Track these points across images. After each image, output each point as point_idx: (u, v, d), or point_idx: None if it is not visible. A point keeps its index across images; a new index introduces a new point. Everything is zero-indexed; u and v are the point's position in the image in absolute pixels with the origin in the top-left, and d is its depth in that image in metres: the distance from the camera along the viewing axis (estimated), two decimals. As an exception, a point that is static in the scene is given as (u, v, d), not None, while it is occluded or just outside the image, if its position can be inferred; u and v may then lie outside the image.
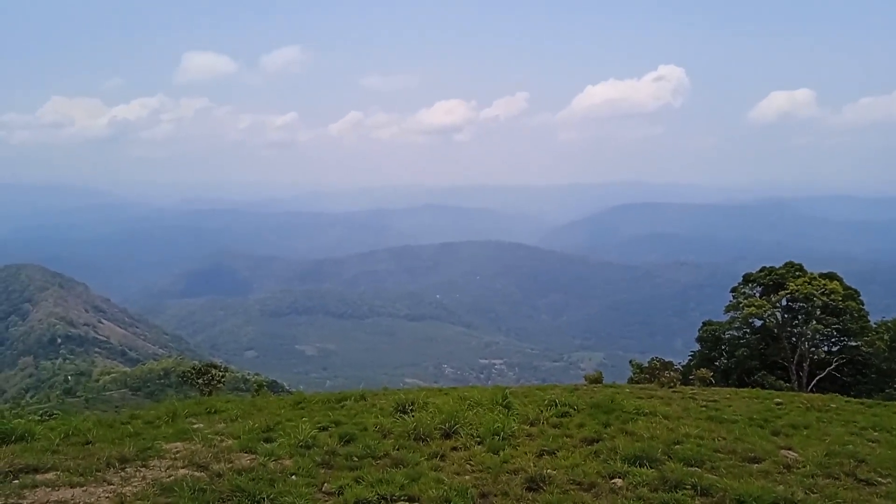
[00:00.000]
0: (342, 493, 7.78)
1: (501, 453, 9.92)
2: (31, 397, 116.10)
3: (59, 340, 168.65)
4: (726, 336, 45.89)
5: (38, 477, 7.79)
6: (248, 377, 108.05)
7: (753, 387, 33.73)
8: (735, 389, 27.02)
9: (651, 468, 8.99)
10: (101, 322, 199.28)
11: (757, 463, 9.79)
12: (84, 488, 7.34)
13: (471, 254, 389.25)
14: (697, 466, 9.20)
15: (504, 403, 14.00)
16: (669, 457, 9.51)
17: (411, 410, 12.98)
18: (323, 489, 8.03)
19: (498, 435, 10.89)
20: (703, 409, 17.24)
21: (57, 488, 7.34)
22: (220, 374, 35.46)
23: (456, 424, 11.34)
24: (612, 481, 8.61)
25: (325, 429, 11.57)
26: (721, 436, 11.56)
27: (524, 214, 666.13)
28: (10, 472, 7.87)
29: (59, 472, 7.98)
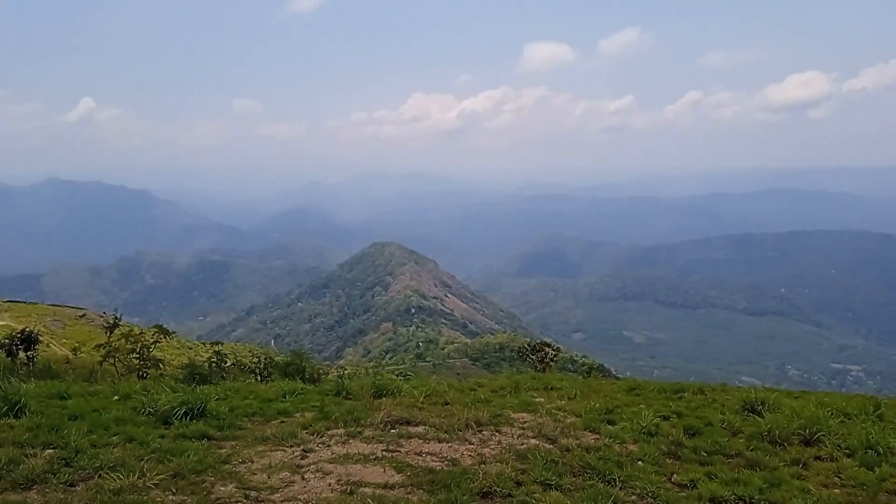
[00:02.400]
0: (695, 487, 7.48)
1: (877, 470, 8.61)
2: (389, 358, 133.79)
3: (413, 310, 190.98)
4: None
5: (411, 429, 8.87)
6: (575, 358, 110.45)
7: None
8: None
9: None
10: (447, 296, 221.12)
11: None
12: (449, 444, 8.17)
13: (825, 244, 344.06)
14: None
15: (876, 414, 12.17)
16: None
17: (762, 411, 11.94)
18: (672, 479, 7.80)
19: (872, 449, 9.47)
20: None
21: (427, 441, 8.28)
22: (553, 352, 36.72)
23: (818, 432, 10.13)
24: None
25: (666, 418, 11.23)
26: None
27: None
28: (389, 422, 9.10)
29: (426, 427, 8.99)
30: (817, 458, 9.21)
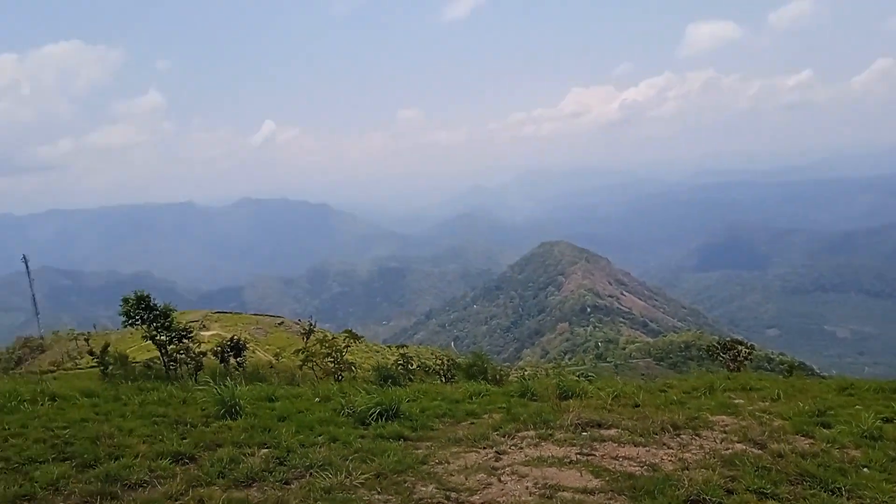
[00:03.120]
0: (941, 500, 6.53)
1: None
2: (568, 359, 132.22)
3: (589, 310, 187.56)
4: None
5: (603, 432, 8.58)
6: (772, 356, 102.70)
7: None
8: None
9: None
10: (622, 294, 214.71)
11: None
12: (646, 448, 7.79)
13: None
14: None
15: None
16: None
17: None
18: (908, 489, 6.87)
19: None
20: None
21: (622, 445, 7.96)
22: (747, 350, 34.36)
23: None
24: None
25: (888, 420, 10.02)
26: None
27: None
28: (579, 424, 8.88)
29: (619, 430, 8.66)
30: None
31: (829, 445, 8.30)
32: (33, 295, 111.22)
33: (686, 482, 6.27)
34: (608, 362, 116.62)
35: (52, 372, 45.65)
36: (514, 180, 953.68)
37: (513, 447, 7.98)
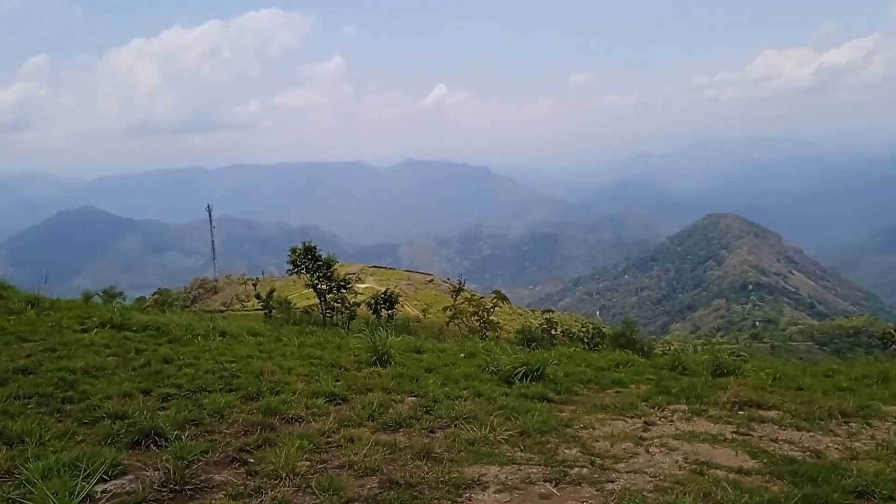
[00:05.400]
0: None
1: None
2: (720, 336, 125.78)
3: (750, 287, 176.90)
4: None
5: (762, 413, 8.02)
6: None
7: None
8: None
9: None
10: (791, 273, 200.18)
11: None
12: (810, 434, 7.20)
13: None
14: None
15: None
16: None
17: None
18: None
19: None
20: None
21: (783, 428, 7.40)
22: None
23: None
24: None
25: None
26: None
27: None
28: (736, 402, 8.35)
29: (780, 412, 8.06)
30: None
31: None
32: (213, 241, 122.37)
33: (855, 472, 5.70)
34: (765, 343, 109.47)
35: (222, 311, 50.09)
36: (685, 148, 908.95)
37: (662, 419, 7.65)
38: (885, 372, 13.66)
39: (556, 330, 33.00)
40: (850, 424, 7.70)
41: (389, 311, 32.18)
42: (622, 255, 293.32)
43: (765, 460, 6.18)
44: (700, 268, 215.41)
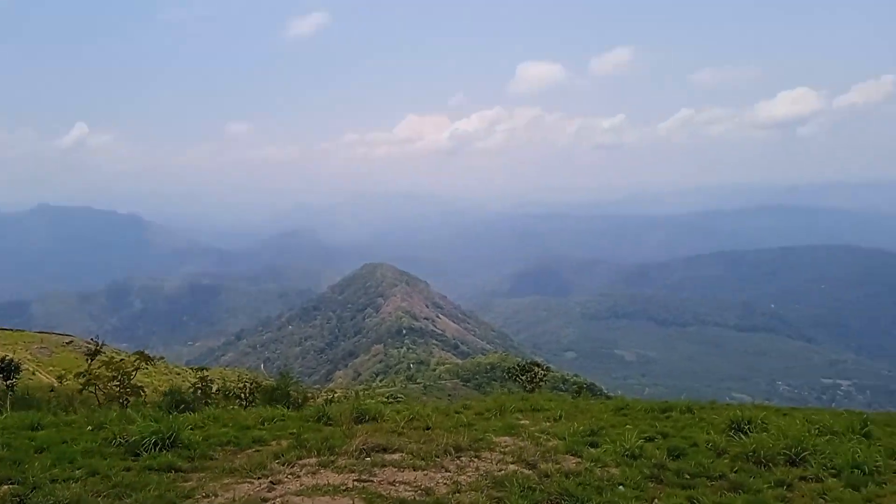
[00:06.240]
0: (674, 513, 7.23)
1: (863, 490, 8.44)
2: (380, 380, 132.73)
3: (404, 331, 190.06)
4: None
5: (387, 456, 8.60)
6: (567, 377, 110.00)
7: None
8: None
9: None
10: (438, 317, 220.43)
11: None
12: (425, 472, 7.89)
13: (816, 260, 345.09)
14: None
15: (863, 432, 12.00)
16: None
17: (748, 430, 11.75)
18: (653, 504, 7.56)
19: (859, 468, 9.28)
20: None
21: (402, 469, 8.00)
22: (543, 372, 36.47)
23: (804, 451, 9.92)
24: None
25: (651, 439, 11.04)
26: None
27: (889, 215, 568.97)
28: (365, 449, 8.82)
29: (404, 455, 8.72)
30: (802, 478, 9.00)
31: (592, 464, 8.93)
32: None
33: (454, 505, 6.42)
34: (418, 383, 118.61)
35: None
36: (343, 201, 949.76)
37: (290, 476, 7.74)
38: (502, 404, 15.68)
39: (212, 388, 31.38)
40: (461, 459, 8.64)
41: (8, 382, 27.44)
42: (286, 306, 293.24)
43: (378, 504, 6.60)
44: (360, 315, 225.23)
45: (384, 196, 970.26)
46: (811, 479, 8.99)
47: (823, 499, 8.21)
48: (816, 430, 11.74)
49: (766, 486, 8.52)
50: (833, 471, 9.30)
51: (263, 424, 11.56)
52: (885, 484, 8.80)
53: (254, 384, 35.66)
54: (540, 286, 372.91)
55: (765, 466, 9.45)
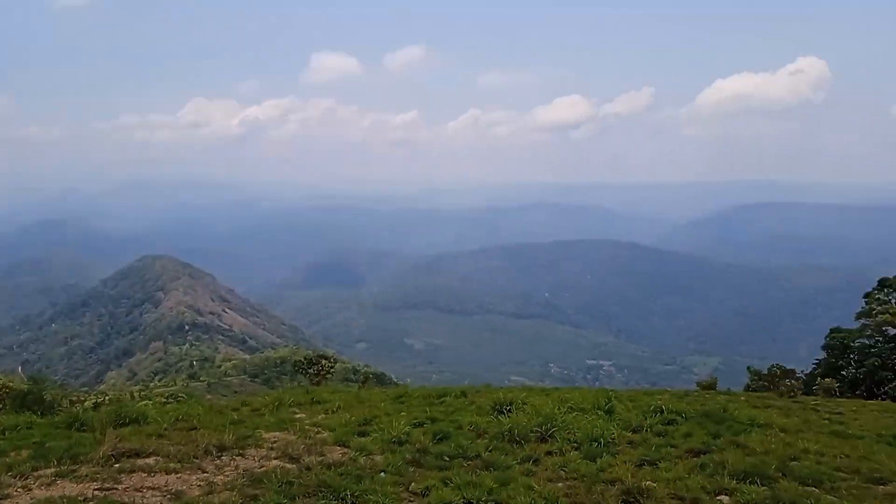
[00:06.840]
0: (427, 495, 7.58)
1: (599, 461, 9.44)
2: (159, 380, 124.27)
3: (187, 327, 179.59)
4: (856, 344, 41.88)
5: (139, 462, 8.07)
6: (358, 368, 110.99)
7: (884, 399, 30.97)
8: (863, 402, 24.82)
9: (762, 486, 8.26)
10: (225, 311, 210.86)
11: (883, 485, 8.79)
12: (178, 475, 7.53)
13: (583, 253, 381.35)
14: (815, 486, 8.37)
15: (606, 408, 13.44)
16: (784, 474, 8.73)
17: (508, 410, 12.67)
18: (409, 489, 7.87)
19: (596, 441, 10.40)
20: (826, 422, 15.74)
21: (153, 474, 7.57)
22: (331, 364, 36.44)
23: (553, 427, 10.91)
24: (718, 498, 7.98)
25: (420, 425, 11.47)
26: (844, 453, 10.49)
27: (643, 214, 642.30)
28: (113, 455, 8.21)
29: (158, 458, 8.25)
30: (549, 453, 9.88)
31: (357, 454, 9.10)
32: None
33: (209, 506, 6.22)
34: (202, 381, 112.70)
35: None
36: (119, 188, 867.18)
37: (21, 489, 7.00)
38: (279, 399, 15.42)
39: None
40: (223, 458, 8.35)
41: None
42: (49, 302, 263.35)
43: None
44: (136, 311, 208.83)
45: (167, 184, 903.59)
46: (556, 453, 9.88)
47: (564, 470, 9.05)
48: (567, 408, 12.95)
49: (515, 462, 9.24)
50: (575, 444, 10.28)
51: (4, 434, 10.36)
52: (618, 454, 9.94)
53: (3, 389, 31.67)
54: (333, 278, 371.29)
55: (518, 444, 10.25)
